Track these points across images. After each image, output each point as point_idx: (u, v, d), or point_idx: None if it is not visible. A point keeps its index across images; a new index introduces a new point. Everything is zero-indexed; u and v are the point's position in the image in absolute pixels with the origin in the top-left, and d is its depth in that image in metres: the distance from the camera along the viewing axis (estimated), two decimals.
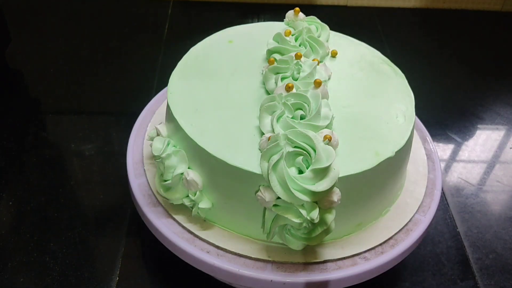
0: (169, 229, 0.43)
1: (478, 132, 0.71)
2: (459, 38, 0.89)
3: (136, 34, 0.83)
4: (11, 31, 0.74)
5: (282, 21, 0.53)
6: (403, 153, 0.44)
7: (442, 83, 0.79)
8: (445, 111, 0.74)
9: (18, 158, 0.61)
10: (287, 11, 0.53)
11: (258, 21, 0.55)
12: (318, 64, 0.45)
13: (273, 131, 0.40)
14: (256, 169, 0.38)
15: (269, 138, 0.39)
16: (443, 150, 0.68)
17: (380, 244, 0.43)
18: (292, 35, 0.49)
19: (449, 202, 0.60)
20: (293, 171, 0.37)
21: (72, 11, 0.88)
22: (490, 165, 0.66)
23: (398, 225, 0.45)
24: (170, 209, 0.44)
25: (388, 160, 0.41)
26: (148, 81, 0.73)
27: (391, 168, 0.43)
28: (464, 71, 0.82)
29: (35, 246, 0.51)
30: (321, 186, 0.36)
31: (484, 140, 0.70)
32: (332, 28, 0.55)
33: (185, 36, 0.83)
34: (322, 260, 0.42)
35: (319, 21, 0.52)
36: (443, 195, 0.61)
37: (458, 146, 0.69)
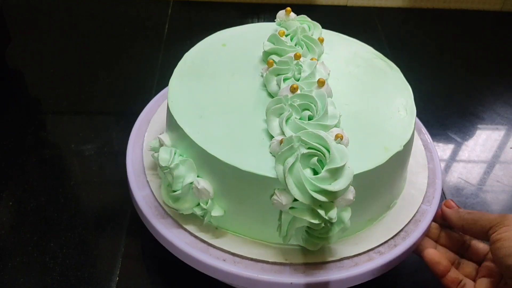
0: (181, 240, 0.42)
1: (478, 132, 0.71)
2: (459, 38, 0.89)
3: (136, 34, 0.83)
4: (11, 31, 0.74)
5: None
6: (409, 146, 0.45)
7: (442, 83, 0.79)
8: (445, 111, 0.74)
9: (18, 158, 0.61)
10: None
11: (258, 21, 0.55)
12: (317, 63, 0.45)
13: (282, 133, 0.40)
14: (270, 173, 0.38)
15: (281, 141, 0.38)
16: (443, 150, 0.68)
17: (392, 237, 0.44)
18: (286, 36, 0.49)
19: None
20: (308, 172, 0.37)
21: (72, 11, 0.88)
22: (490, 165, 0.66)
23: (406, 217, 0.46)
24: (180, 219, 0.43)
25: (397, 154, 0.42)
26: (148, 81, 0.73)
27: (399, 162, 0.44)
28: (464, 71, 0.82)
29: (35, 246, 0.51)
30: (338, 185, 0.36)
31: (484, 140, 0.70)
32: (332, 28, 0.55)
33: (185, 36, 0.83)
34: (338, 258, 0.42)
35: (309, 19, 0.52)
36: (443, 195, 0.61)
37: (458, 146, 0.69)
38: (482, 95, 0.77)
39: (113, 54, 0.79)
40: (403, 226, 0.45)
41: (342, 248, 0.42)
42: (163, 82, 0.63)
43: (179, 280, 0.49)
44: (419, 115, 0.47)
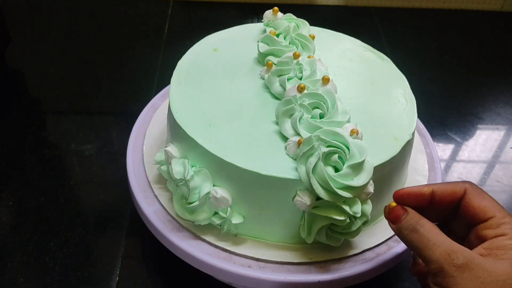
0: (202, 252, 0.42)
1: (478, 132, 0.71)
2: (459, 38, 0.89)
3: (136, 34, 0.83)
4: (11, 31, 0.74)
5: None
6: (414, 133, 0.45)
7: (442, 83, 0.79)
8: (445, 111, 0.74)
9: (18, 158, 0.61)
10: (286, 11, 0.53)
11: (258, 21, 0.55)
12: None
13: (296, 134, 0.39)
14: (291, 175, 0.38)
15: (299, 142, 0.38)
16: (443, 150, 0.68)
17: None
18: (278, 35, 0.49)
19: None
20: (330, 170, 0.37)
21: (72, 11, 0.88)
22: (490, 165, 0.66)
23: None
24: (196, 230, 0.43)
25: (408, 143, 0.43)
26: (148, 81, 0.73)
27: (408, 150, 0.45)
28: (464, 71, 0.82)
29: (35, 246, 0.51)
30: (360, 180, 0.37)
31: (484, 140, 0.70)
32: (332, 28, 0.55)
33: (185, 36, 0.83)
34: (360, 251, 0.42)
35: (295, 17, 0.52)
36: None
37: (458, 146, 0.69)
38: (482, 95, 0.77)
39: (113, 54, 0.79)
40: None
41: (362, 240, 0.43)
42: (163, 82, 0.63)
43: (179, 280, 0.49)
44: (419, 115, 0.48)
